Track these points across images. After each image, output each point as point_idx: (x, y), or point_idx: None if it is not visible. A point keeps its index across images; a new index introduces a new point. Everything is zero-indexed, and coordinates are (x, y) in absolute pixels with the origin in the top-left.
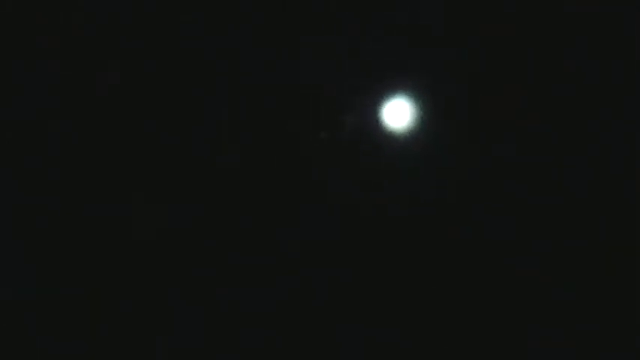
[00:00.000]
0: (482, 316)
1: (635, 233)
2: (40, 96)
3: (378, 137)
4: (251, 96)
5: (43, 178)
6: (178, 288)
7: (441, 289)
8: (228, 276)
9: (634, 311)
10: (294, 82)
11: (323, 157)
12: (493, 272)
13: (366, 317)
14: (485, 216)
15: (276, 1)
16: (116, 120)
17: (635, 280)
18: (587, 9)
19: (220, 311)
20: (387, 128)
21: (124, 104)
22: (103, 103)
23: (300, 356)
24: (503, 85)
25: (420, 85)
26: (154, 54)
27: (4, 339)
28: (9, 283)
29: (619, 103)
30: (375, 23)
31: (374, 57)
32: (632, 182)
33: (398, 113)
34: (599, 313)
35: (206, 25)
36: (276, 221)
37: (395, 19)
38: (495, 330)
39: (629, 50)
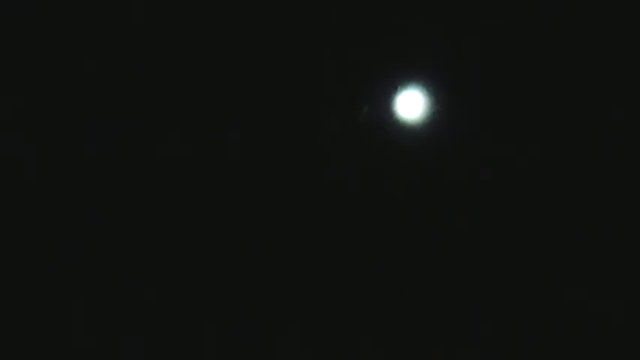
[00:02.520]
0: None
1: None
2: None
3: (391, 128)
4: (264, 86)
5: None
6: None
7: (452, 278)
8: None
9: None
10: (308, 74)
11: (336, 148)
12: (504, 263)
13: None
14: (495, 206)
15: None
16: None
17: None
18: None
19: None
20: (399, 119)
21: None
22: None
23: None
24: (515, 77)
25: (432, 77)
26: (166, 45)
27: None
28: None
29: (622, 102)
30: (390, 17)
31: (388, 50)
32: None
33: (410, 105)
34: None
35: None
36: (288, 210)
37: (409, 13)
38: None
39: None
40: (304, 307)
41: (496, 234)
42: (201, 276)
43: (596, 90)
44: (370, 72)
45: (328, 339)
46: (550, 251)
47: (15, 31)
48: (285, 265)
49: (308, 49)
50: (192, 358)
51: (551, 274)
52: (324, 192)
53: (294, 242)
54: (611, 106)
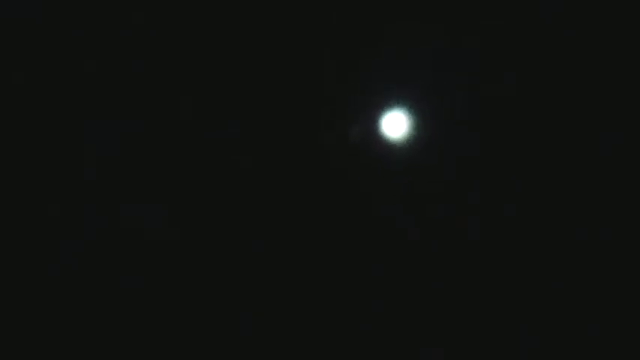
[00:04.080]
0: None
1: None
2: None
3: (378, 146)
4: (264, 86)
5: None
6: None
7: (452, 277)
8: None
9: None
10: (299, 90)
11: (335, 147)
12: (504, 263)
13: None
14: (482, 223)
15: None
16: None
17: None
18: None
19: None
20: (386, 138)
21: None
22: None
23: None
24: (514, 77)
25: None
26: (166, 49)
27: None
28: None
29: (618, 103)
30: (376, 34)
31: (375, 66)
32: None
33: (398, 123)
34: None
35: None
36: (288, 211)
37: (396, 30)
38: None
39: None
40: (304, 307)
41: (496, 234)
42: (201, 276)
43: (596, 90)
44: (370, 71)
45: (328, 339)
46: (550, 251)
47: (15, 31)
48: (285, 266)
49: (308, 49)
50: (192, 358)
51: (551, 274)
52: (323, 192)
53: (294, 243)
54: (611, 106)
